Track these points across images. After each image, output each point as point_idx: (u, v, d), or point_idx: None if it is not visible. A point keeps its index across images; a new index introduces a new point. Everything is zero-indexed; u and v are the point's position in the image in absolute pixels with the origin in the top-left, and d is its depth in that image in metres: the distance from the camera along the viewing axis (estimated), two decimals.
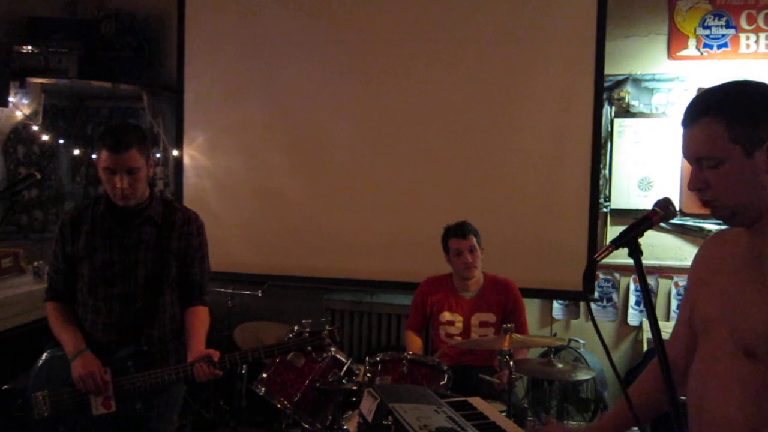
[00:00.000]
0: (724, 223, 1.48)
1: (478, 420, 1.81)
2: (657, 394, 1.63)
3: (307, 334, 2.51)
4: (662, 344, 1.26)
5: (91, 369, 2.29)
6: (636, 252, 1.37)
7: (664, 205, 1.43)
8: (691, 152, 1.43)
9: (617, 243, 1.39)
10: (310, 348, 2.45)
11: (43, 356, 2.45)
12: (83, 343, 2.35)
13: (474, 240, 3.32)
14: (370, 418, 1.78)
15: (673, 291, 4.38)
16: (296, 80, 4.59)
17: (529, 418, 2.78)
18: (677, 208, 1.45)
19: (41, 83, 4.57)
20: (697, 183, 1.43)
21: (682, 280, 4.36)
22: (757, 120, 1.35)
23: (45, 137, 4.79)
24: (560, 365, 2.88)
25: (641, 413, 1.58)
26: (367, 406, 1.81)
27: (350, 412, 2.83)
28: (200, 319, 2.52)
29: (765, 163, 1.35)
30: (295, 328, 2.54)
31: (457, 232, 3.33)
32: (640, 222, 1.41)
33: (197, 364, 2.32)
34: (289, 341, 2.52)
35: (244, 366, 4.23)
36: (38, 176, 2.05)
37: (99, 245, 2.41)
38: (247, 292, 4.44)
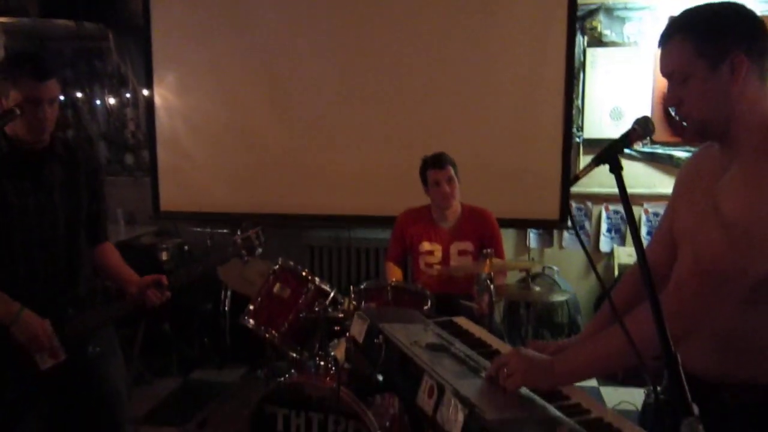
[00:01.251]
0: (699, 140, 1.55)
1: (464, 337, 1.89)
2: (638, 299, 1.72)
3: (240, 241, 2.52)
4: (644, 253, 1.32)
5: (39, 327, 2.14)
6: (617, 168, 1.41)
7: (643, 122, 1.47)
8: (663, 69, 1.52)
9: (598, 160, 1.44)
10: (245, 251, 2.49)
11: None
12: (16, 303, 2.13)
13: (451, 170, 3.36)
14: (360, 339, 1.84)
15: (643, 218, 4.51)
16: (269, 14, 4.51)
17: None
18: (654, 128, 1.49)
19: (1, 23, 4.42)
20: (671, 99, 1.53)
21: (651, 207, 4.48)
22: (721, 35, 1.44)
23: None
24: (537, 288, 2.99)
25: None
26: (357, 328, 1.87)
27: (336, 341, 2.91)
28: (116, 253, 2.48)
29: (729, 76, 1.43)
30: (238, 235, 2.58)
31: (435, 163, 3.37)
32: (620, 139, 1.45)
33: (148, 291, 2.30)
34: (225, 251, 2.55)
35: (227, 302, 4.30)
36: (18, 112, 1.97)
37: (9, 187, 2.16)
38: (226, 231, 4.46)
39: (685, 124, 1.53)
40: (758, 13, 1.51)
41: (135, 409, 3.67)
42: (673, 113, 1.54)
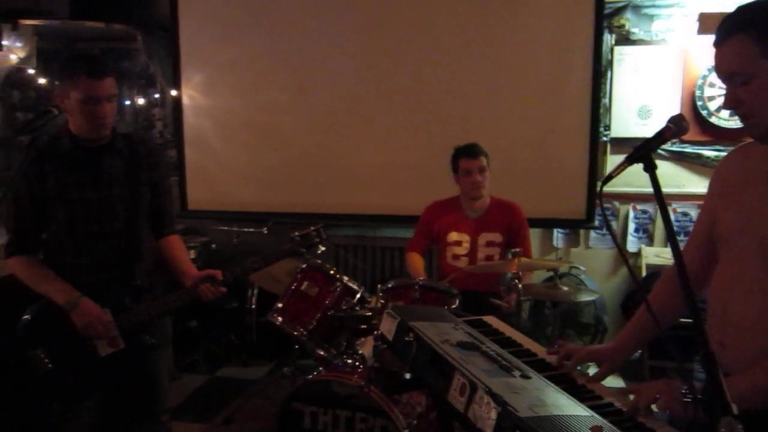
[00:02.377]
0: (760, 141, 1.51)
1: (495, 336, 1.89)
2: (670, 306, 1.71)
3: (298, 238, 2.52)
4: (680, 253, 1.31)
5: (95, 314, 2.25)
6: (650, 167, 1.40)
7: (677, 120, 1.46)
8: (722, 70, 1.46)
9: (632, 158, 1.43)
10: (304, 249, 2.49)
11: (26, 315, 2.33)
12: (75, 292, 2.26)
13: (484, 161, 3.38)
14: (390, 337, 1.85)
15: (672, 217, 4.45)
16: (294, 14, 4.53)
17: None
18: (689, 125, 1.48)
19: (33, 25, 4.50)
20: (731, 101, 1.47)
21: (680, 207, 4.44)
22: None
23: (41, 81, 4.73)
24: (565, 288, 2.97)
25: (661, 321, 1.63)
26: (387, 326, 1.88)
27: (363, 339, 2.92)
28: (180, 246, 2.54)
29: None
30: (296, 233, 2.57)
31: (468, 152, 3.39)
32: (654, 137, 1.44)
33: (202, 285, 2.36)
34: (283, 248, 2.53)
35: (254, 300, 4.34)
36: (56, 112, 2.02)
37: (71, 183, 2.29)
38: (252, 230, 4.49)
39: (743, 125, 1.48)
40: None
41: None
42: (729, 114, 1.50)
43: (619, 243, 4.59)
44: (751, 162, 1.57)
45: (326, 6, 4.50)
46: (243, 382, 4.23)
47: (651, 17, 4.36)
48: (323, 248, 2.54)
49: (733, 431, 0.95)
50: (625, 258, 1.47)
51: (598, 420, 1.33)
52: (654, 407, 1.38)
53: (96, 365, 2.30)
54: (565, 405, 1.40)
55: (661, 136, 1.45)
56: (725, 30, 1.43)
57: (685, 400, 1.04)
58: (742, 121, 1.48)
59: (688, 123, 1.46)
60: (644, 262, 4.48)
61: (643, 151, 1.43)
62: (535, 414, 1.31)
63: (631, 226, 4.55)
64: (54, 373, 2.29)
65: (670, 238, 1.32)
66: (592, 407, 1.41)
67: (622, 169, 1.46)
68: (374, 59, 4.49)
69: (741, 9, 1.44)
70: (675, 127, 1.46)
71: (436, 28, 4.37)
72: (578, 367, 1.70)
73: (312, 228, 2.53)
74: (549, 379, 1.54)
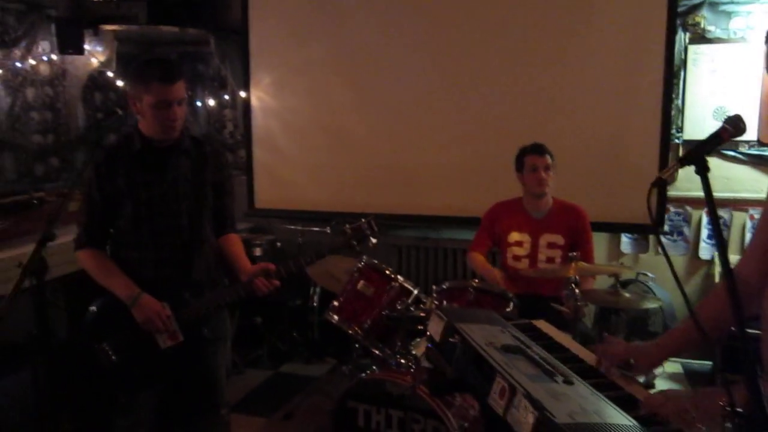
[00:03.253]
0: None
1: (543, 341, 1.86)
2: (723, 314, 1.64)
3: (349, 231, 2.54)
4: (728, 265, 1.25)
5: (154, 309, 2.33)
6: (703, 169, 1.35)
7: (734, 121, 1.40)
8: None
9: (684, 160, 1.38)
10: (355, 242, 2.50)
11: (93, 307, 2.45)
12: (136, 287, 2.35)
13: (549, 159, 3.36)
14: (437, 337, 1.85)
15: (748, 224, 4.26)
16: (359, 18, 4.59)
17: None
18: (746, 126, 1.41)
19: (113, 30, 4.73)
20: None
21: (757, 213, 4.22)
22: None
23: (120, 83, 4.96)
24: (627, 294, 2.88)
25: (708, 331, 1.58)
26: (435, 326, 1.88)
27: (418, 339, 2.92)
28: (238, 244, 2.61)
29: None
30: (348, 226, 2.57)
31: (535, 149, 3.39)
32: (709, 139, 1.39)
33: (256, 280, 2.41)
34: (333, 240, 2.56)
35: (316, 298, 4.41)
36: (120, 113, 2.12)
37: (140, 181, 2.38)
38: (316, 229, 4.56)
39: None
40: None
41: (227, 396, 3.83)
42: None
43: (692, 249, 4.41)
44: None
45: (394, 8, 4.53)
46: (304, 378, 4.30)
47: (729, 14, 4.17)
48: (374, 240, 2.53)
49: None
50: (670, 264, 1.40)
51: (641, 430, 1.29)
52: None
53: (157, 358, 2.39)
54: (607, 413, 1.36)
55: (717, 138, 1.40)
56: None
57: (723, 412, 0.99)
58: None
59: (745, 124, 1.40)
60: (717, 270, 4.29)
61: (696, 154, 1.38)
62: (573, 421, 1.28)
63: (704, 233, 4.37)
64: (117, 365, 2.39)
65: (718, 246, 1.27)
66: (635, 417, 1.37)
67: (672, 171, 1.41)
68: (441, 61, 4.48)
69: None
70: (732, 129, 1.41)
71: (505, 28, 4.33)
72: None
73: (363, 220, 2.54)
74: (594, 387, 1.51)
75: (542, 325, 2.01)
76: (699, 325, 1.37)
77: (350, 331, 2.88)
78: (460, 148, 4.49)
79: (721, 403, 1.00)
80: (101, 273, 2.41)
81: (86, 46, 4.55)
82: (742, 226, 4.28)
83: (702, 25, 4.19)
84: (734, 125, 1.40)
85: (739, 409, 0.97)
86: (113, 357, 2.39)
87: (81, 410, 3.00)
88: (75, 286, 3.46)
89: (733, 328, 1.47)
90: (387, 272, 2.95)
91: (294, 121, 4.86)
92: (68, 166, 4.78)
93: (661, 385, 3.21)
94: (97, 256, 2.45)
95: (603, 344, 1.68)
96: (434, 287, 2.89)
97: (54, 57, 4.58)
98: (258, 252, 4.69)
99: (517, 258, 3.43)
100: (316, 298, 4.46)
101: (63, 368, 2.67)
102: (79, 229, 2.47)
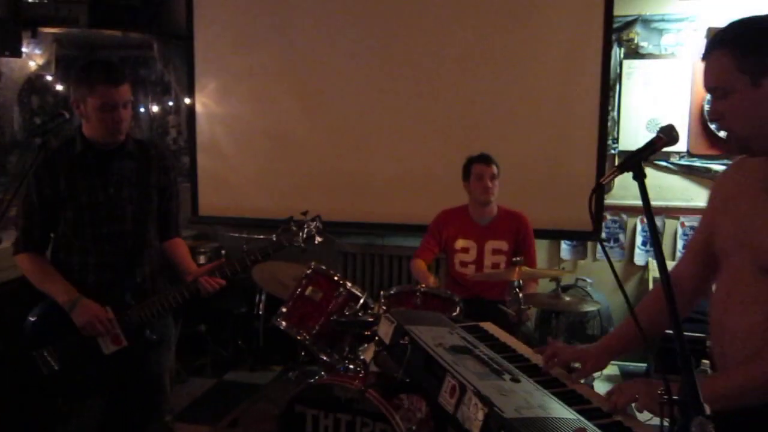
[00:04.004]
0: (742, 153, 1.56)
1: (490, 341, 1.92)
2: (661, 315, 1.74)
3: (294, 229, 2.55)
4: (664, 264, 1.33)
5: (94, 313, 2.29)
6: (640, 175, 1.43)
7: (668, 130, 1.49)
8: (706, 83, 1.52)
9: (622, 167, 1.46)
10: (301, 240, 2.51)
11: (33, 313, 2.40)
12: (75, 291, 2.31)
13: (495, 169, 3.49)
14: (387, 340, 1.88)
15: (680, 231, 4.47)
16: (306, 23, 4.61)
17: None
18: (679, 136, 1.51)
19: (53, 33, 4.60)
20: (713, 114, 1.53)
21: (688, 221, 4.43)
22: (763, 50, 1.43)
23: (59, 87, 4.84)
24: (568, 298, 2.99)
25: (646, 331, 1.67)
26: (384, 329, 1.91)
27: (366, 345, 2.95)
28: (183, 247, 2.60)
29: None
30: (293, 224, 2.58)
31: (482, 159, 3.50)
32: (644, 147, 1.47)
33: (201, 278, 2.39)
34: (279, 239, 2.55)
35: (261, 305, 4.38)
36: (67, 116, 2.09)
37: (81, 185, 2.34)
38: (262, 236, 4.53)
39: (726, 138, 1.53)
40: None
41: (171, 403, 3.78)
42: (714, 128, 1.54)
43: (627, 255, 4.59)
44: (743, 175, 1.61)
45: (339, 15, 4.57)
46: (249, 386, 4.27)
47: (660, 31, 4.38)
48: (320, 239, 2.55)
49: (705, 430, 0.97)
50: (614, 272, 1.47)
51: (584, 423, 1.36)
52: (634, 407, 1.40)
53: (100, 364, 2.35)
54: (552, 407, 1.43)
55: (652, 146, 1.48)
56: (709, 45, 1.49)
57: (661, 400, 1.06)
58: (726, 134, 1.52)
59: (678, 133, 1.49)
60: (651, 275, 4.48)
61: (633, 160, 1.46)
62: (521, 416, 1.34)
63: (639, 239, 4.55)
64: (59, 373, 2.34)
65: (656, 249, 1.34)
66: (579, 411, 1.44)
67: (612, 177, 1.49)
68: (385, 70, 4.54)
69: (727, 26, 1.50)
70: (665, 137, 1.49)
71: (447, 40, 4.42)
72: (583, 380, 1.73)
73: (309, 219, 2.55)
74: (539, 383, 1.57)
75: (488, 326, 2.08)
76: (639, 326, 1.45)
77: (298, 337, 2.88)
78: (406, 155, 4.55)
79: (659, 392, 1.07)
80: (39, 277, 2.36)
81: (24, 49, 4.41)
82: (673, 233, 4.49)
83: (635, 41, 4.39)
84: (668, 134, 1.49)
85: (675, 397, 1.04)
86: (54, 364, 2.33)
87: (22, 419, 2.91)
88: (10, 296, 3.37)
89: (668, 331, 1.56)
90: (335, 278, 2.97)
91: (239, 127, 4.83)
92: (2, 170, 4.62)
93: (599, 386, 3.32)
94: (35, 260, 2.40)
95: (550, 349, 1.74)
96: (382, 292, 2.93)
97: None
98: (203, 260, 4.63)
99: (464, 264, 3.52)
100: (261, 305, 4.43)
101: (1, 377, 2.59)
102: (17, 233, 2.41)
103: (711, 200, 1.72)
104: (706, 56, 1.50)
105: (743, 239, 1.54)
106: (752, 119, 1.46)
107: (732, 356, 1.54)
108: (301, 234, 2.54)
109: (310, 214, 2.58)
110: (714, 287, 1.66)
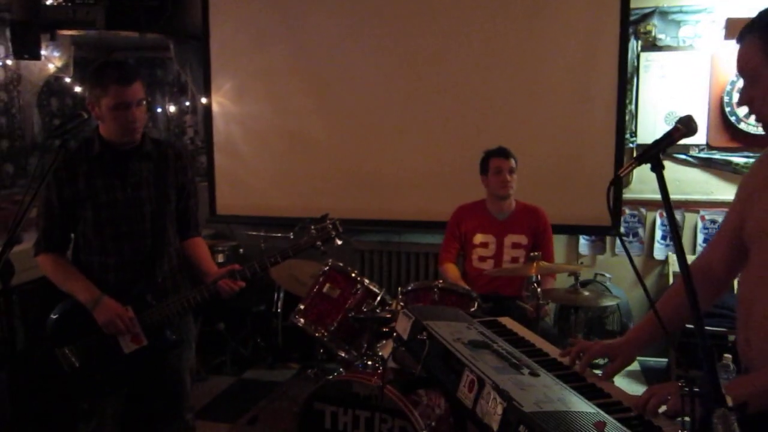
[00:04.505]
0: None
1: (508, 336, 1.91)
2: (683, 309, 1.72)
3: (314, 232, 2.53)
4: (684, 258, 1.32)
5: (115, 311, 2.31)
6: (658, 166, 1.42)
7: (686, 121, 1.48)
8: (737, 68, 1.53)
9: (640, 159, 1.45)
10: (320, 243, 2.49)
11: (53, 314, 2.42)
12: (97, 290, 2.34)
13: (513, 163, 3.47)
14: (405, 336, 1.88)
15: (699, 225, 4.42)
16: (321, 23, 4.62)
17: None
18: (698, 126, 1.49)
19: (71, 35, 4.65)
20: (743, 98, 1.54)
21: (708, 214, 4.39)
22: None
23: (77, 89, 4.89)
24: (586, 293, 2.97)
25: (668, 325, 1.65)
26: (403, 325, 1.91)
27: (384, 341, 2.95)
28: (203, 247, 2.62)
29: None
30: (312, 227, 2.57)
31: (500, 152, 3.49)
32: (662, 138, 1.46)
33: (220, 281, 2.40)
34: (299, 242, 2.53)
35: (280, 303, 4.40)
36: (85, 116, 2.10)
37: (100, 185, 2.36)
38: (279, 235, 4.56)
39: (758, 123, 1.52)
40: None
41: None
42: (743, 115, 1.54)
43: (646, 250, 4.55)
44: None
45: (353, 14, 4.57)
46: (268, 384, 4.28)
47: (678, 23, 4.33)
48: (340, 242, 2.54)
49: (726, 422, 0.96)
50: (634, 266, 1.46)
51: (603, 416, 1.35)
52: (663, 408, 1.39)
53: (120, 362, 2.37)
54: (572, 402, 1.42)
55: (670, 137, 1.47)
56: (742, 32, 1.51)
57: (682, 393, 1.05)
58: (756, 120, 1.53)
59: (697, 124, 1.47)
60: (671, 269, 4.43)
61: (651, 152, 1.44)
62: (540, 409, 1.33)
63: (658, 234, 4.51)
64: (80, 370, 2.37)
65: (675, 242, 1.33)
66: (599, 405, 1.43)
67: (630, 169, 1.48)
68: (400, 68, 4.54)
69: (760, 13, 1.51)
70: (684, 128, 1.48)
71: (462, 36, 4.41)
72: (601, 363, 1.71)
73: (328, 221, 2.55)
74: (559, 378, 1.56)
75: (507, 321, 2.07)
76: (660, 320, 1.44)
77: (316, 334, 2.89)
78: (422, 152, 4.55)
79: (680, 384, 1.06)
80: (61, 277, 2.39)
81: (43, 51, 4.47)
82: (693, 226, 4.44)
83: (653, 33, 4.34)
84: (686, 125, 1.47)
85: (696, 389, 1.03)
86: (75, 362, 2.36)
87: (43, 417, 2.95)
88: (30, 296, 3.42)
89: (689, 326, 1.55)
90: (353, 275, 2.97)
91: (255, 126, 4.86)
92: (23, 173, 4.69)
93: (619, 381, 3.29)
94: (56, 260, 2.42)
95: (577, 346, 1.73)
96: (400, 288, 2.94)
97: (9, 62, 4.49)
98: (221, 258, 4.66)
99: (482, 259, 3.51)
100: (279, 303, 4.45)
101: (24, 375, 2.62)
102: (38, 234, 2.43)
103: (741, 190, 1.71)
104: (738, 42, 1.51)
105: None
106: None
107: (756, 344, 1.53)
108: (320, 236, 2.52)
109: (329, 215, 2.56)
110: (741, 275, 1.65)
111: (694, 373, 1.15)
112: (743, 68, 1.50)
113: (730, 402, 0.99)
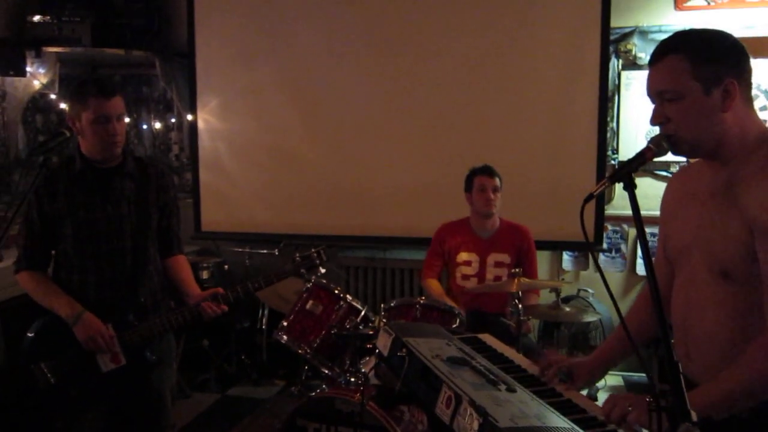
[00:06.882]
0: (686, 157, 1.61)
1: (487, 352, 1.93)
2: (649, 321, 1.77)
3: (299, 259, 2.59)
4: (652, 269, 1.36)
5: (96, 328, 2.30)
6: (630, 186, 1.45)
7: (657, 141, 1.52)
8: (655, 86, 1.55)
9: (612, 178, 1.49)
10: (304, 270, 2.54)
11: (33, 327, 2.40)
12: (79, 306, 2.33)
13: (498, 181, 3.50)
14: (385, 352, 1.90)
15: None
16: (306, 40, 4.66)
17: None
18: (669, 147, 1.53)
19: (56, 52, 4.66)
20: (659, 117, 1.55)
21: None
22: (717, 61, 1.48)
23: (63, 105, 4.88)
24: (568, 309, 2.99)
25: (636, 338, 1.69)
26: (383, 341, 1.93)
27: (367, 358, 2.96)
28: (186, 267, 2.62)
29: (720, 101, 1.48)
30: (297, 255, 2.63)
31: (485, 171, 3.52)
32: (634, 158, 1.50)
33: (203, 303, 2.41)
34: (284, 269, 2.57)
35: (264, 320, 4.40)
36: (68, 134, 2.11)
37: (80, 202, 2.35)
38: (264, 251, 4.57)
39: (667, 142, 1.53)
40: (739, 35, 1.55)
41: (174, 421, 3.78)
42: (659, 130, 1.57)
43: (629, 265, 4.59)
44: (690, 181, 1.66)
45: (339, 32, 4.62)
46: (253, 401, 4.26)
47: (657, 42, 4.39)
48: (323, 270, 2.59)
49: None
50: (604, 280, 1.49)
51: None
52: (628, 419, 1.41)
53: (98, 381, 2.35)
54: (547, 417, 1.44)
55: (642, 157, 1.51)
56: (662, 49, 1.53)
57: (649, 407, 1.07)
58: (667, 138, 1.54)
59: (668, 144, 1.52)
60: None
61: (623, 171, 1.48)
62: (515, 425, 1.35)
63: (640, 250, 4.54)
64: (56, 387, 2.34)
65: (645, 258, 1.36)
66: (575, 420, 1.45)
67: (602, 189, 1.52)
68: (385, 84, 4.58)
69: (678, 33, 1.55)
70: (655, 148, 1.52)
71: (445, 53, 4.46)
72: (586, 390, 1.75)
73: (313, 250, 2.59)
74: (536, 394, 1.58)
75: (486, 338, 2.09)
76: (627, 332, 1.46)
77: (299, 351, 2.90)
78: (408, 168, 4.58)
79: (648, 399, 1.08)
80: (42, 293, 2.38)
81: (28, 68, 4.47)
82: None
83: (633, 52, 4.41)
84: (657, 145, 1.52)
85: (662, 403, 1.05)
86: (51, 378, 2.34)
87: None
88: (11, 313, 3.40)
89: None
90: (336, 291, 2.98)
91: (241, 143, 4.87)
92: (6, 189, 4.67)
93: (603, 397, 3.32)
94: (37, 277, 2.41)
95: (545, 359, 1.76)
96: (382, 305, 2.95)
97: None
98: (205, 275, 4.66)
99: (465, 277, 3.52)
100: (264, 320, 4.44)
101: (1, 393, 2.60)
102: (18, 252, 2.43)
103: (663, 210, 1.77)
104: (657, 60, 1.53)
105: (695, 244, 1.57)
106: (699, 125, 1.50)
107: (698, 359, 1.57)
108: (305, 264, 2.59)
109: (314, 233, 2.62)
110: (673, 292, 1.68)
111: (664, 387, 1.18)
112: (665, 85, 1.51)
113: (695, 417, 1.02)
